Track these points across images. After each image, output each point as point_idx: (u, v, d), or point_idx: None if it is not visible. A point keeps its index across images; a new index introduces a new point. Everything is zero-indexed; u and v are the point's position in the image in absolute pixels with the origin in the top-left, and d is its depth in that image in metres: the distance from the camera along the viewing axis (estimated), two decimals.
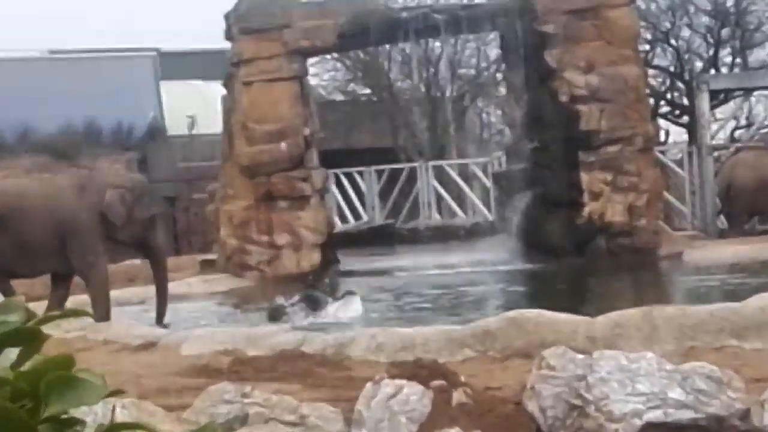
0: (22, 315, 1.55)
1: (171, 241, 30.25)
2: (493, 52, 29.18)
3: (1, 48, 37.64)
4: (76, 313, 1.78)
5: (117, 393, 1.55)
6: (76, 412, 1.49)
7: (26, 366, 1.52)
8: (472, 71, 32.97)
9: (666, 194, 18.78)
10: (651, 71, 28.31)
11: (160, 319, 11.90)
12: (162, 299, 12.16)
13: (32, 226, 11.42)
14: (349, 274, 16.37)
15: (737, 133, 29.14)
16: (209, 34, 28.25)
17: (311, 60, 19.40)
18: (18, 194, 11.55)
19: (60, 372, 1.45)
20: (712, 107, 23.91)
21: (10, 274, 11.54)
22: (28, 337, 1.52)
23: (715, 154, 20.48)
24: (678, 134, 30.67)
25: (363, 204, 24.28)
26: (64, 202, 11.53)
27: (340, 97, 34.30)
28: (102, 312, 10.97)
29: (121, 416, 1.49)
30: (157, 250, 12.20)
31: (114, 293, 12.11)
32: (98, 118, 31.70)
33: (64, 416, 1.46)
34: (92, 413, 1.61)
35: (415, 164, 25.13)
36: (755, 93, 26.49)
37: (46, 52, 37.25)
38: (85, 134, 31.40)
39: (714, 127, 24.07)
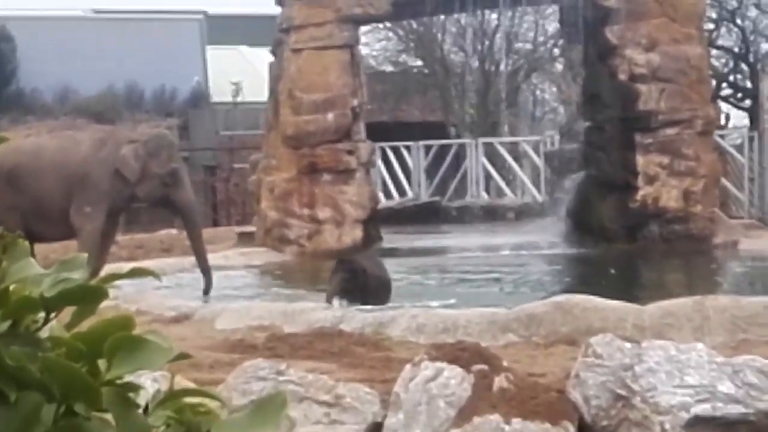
0: (84, 272, 1.49)
1: (209, 212, 30.33)
2: (552, 26, 28.91)
3: (43, 6, 37.56)
4: (141, 272, 1.67)
5: (183, 357, 1.50)
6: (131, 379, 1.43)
7: (81, 327, 1.46)
8: (529, 45, 32.69)
9: (723, 180, 18.38)
10: (714, 51, 27.85)
11: (207, 290, 11.57)
12: (204, 266, 11.79)
13: (45, 182, 11.40)
14: (392, 252, 16.11)
15: None
16: None
17: (363, 29, 19.12)
18: (33, 152, 11.58)
19: (124, 333, 1.39)
20: None
21: (31, 235, 11.30)
22: (91, 297, 1.46)
23: None
24: (739, 118, 30.21)
25: (409, 180, 24.03)
26: (77, 157, 11.45)
27: (390, 68, 34.09)
28: (91, 269, 10.56)
29: (151, 390, 1.32)
30: (185, 208, 11.82)
31: (149, 263, 11.96)
32: (141, 81, 31.67)
33: (120, 381, 1.39)
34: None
35: (465, 141, 24.89)
36: None
37: (90, 11, 37.23)
38: (126, 97, 31.38)
39: None
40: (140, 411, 1.40)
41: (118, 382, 1.39)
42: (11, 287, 1.43)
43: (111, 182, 11.34)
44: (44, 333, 1.43)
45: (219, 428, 1.39)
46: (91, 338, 1.38)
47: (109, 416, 1.37)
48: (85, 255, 1.55)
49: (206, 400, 1.47)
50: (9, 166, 11.45)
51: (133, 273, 1.65)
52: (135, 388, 1.41)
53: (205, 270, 11.72)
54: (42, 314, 1.43)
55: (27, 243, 1.48)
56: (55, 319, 1.44)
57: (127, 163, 11.29)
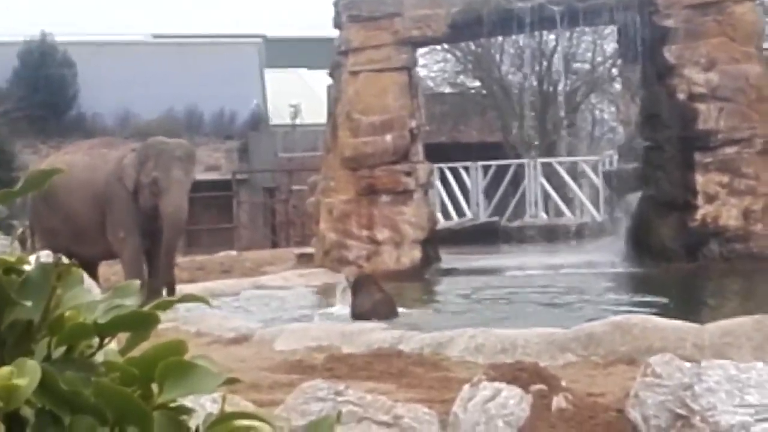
0: (137, 299, 1.52)
1: (268, 233, 30.45)
2: (610, 46, 28.76)
3: (105, 31, 37.97)
4: (193, 298, 1.72)
5: (233, 381, 1.50)
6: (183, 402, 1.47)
7: (135, 351, 1.50)
8: (587, 66, 32.54)
9: None
10: None
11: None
12: (167, 277, 11.30)
13: (76, 201, 11.33)
14: (451, 272, 16.09)
15: None
16: (316, 22, 28.13)
17: (421, 50, 19.15)
18: (66, 171, 11.43)
19: (176, 358, 1.41)
20: None
21: (70, 255, 11.28)
22: (144, 323, 1.49)
23: None
24: None
25: (467, 200, 23.97)
26: (103, 174, 11.33)
27: (448, 90, 34.06)
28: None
29: (204, 412, 1.35)
30: (164, 219, 11.27)
31: (208, 284, 11.94)
32: (200, 104, 31.86)
33: (173, 404, 1.42)
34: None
35: (523, 161, 24.81)
36: None
37: (150, 36, 37.56)
38: (186, 121, 31.61)
39: None
40: None
41: (171, 405, 1.41)
42: (66, 314, 1.45)
43: (128, 198, 11.25)
44: (99, 358, 1.46)
45: None
46: (144, 363, 1.41)
47: None
48: (138, 282, 1.58)
49: (257, 423, 1.48)
50: (48, 187, 11.39)
51: (184, 299, 1.69)
52: (187, 411, 1.44)
53: (170, 286, 11.30)
54: (96, 340, 1.46)
55: (81, 270, 1.51)
56: (109, 344, 1.47)
57: (126, 172, 11.20)
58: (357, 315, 10.77)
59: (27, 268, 1.46)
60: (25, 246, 14.56)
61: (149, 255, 11.67)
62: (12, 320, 1.41)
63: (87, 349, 1.46)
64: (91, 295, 1.49)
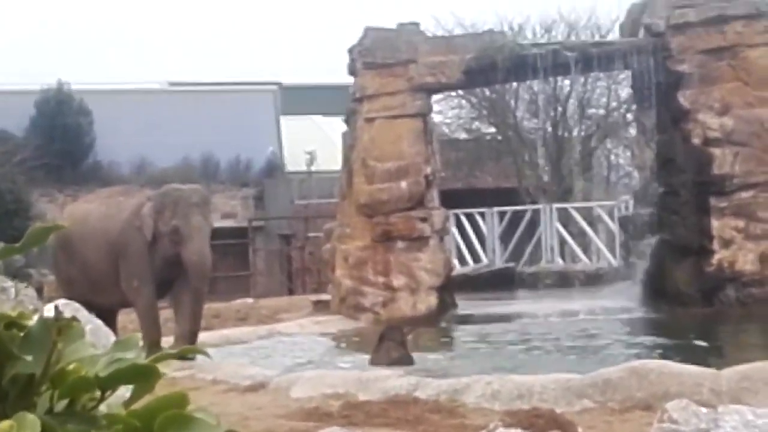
0: (138, 352, 1.55)
1: (284, 280, 30.44)
2: (624, 91, 28.78)
3: (120, 80, 38.20)
4: (192, 350, 1.80)
5: None
6: None
7: (138, 404, 1.52)
8: (602, 111, 32.53)
9: None
10: None
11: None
12: (192, 326, 11.21)
13: (91, 249, 11.32)
14: (467, 318, 16.05)
15: None
16: (331, 69, 28.29)
17: (436, 97, 19.19)
18: (82, 218, 11.46)
19: (175, 411, 1.44)
20: None
21: (88, 304, 11.31)
22: (144, 375, 1.51)
23: None
24: None
25: (483, 246, 23.95)
26: (118, 223, 11.30)
27: (463, 135, 34.09)
28: (149, 343, 10.27)
29: None
30: (188, 267, 11.12)
31: (225, 332, 11.92)
32: (216, 152, 31.98)
33: None
34: None
35: (539, 206, 24.78)
36: None
37: (166, 84, 37.77)
38: (202, 168, 31.73)
39: None
40: None
41: None
42: (68, 367, 1.47)
43: (145, 247, 11.14)
44: (102, 410, 1.47)
45: None
46: (146, 415, 1.43)
47: None
48: (138, 335, 1.62)
49: None
50: (63, 234, 11.34)
51: (185, 351, 1.70)
52: None
53: (192, 335, 11.20)
54: (98, 393, 1.47)
55: (82, 325, 1.52)
56: (110, 397, 1.48)
57: (144, 221, 11.09)
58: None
59: (29, 323, 1.47)
60: (42, 295, 14.61)
61: (175, 303, 11.60)
62: (14, 374, 1.42)
63: (89, 402, 1.47)
64: (92, 349, 1.50)
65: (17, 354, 1.41)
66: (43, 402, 1.44)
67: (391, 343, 11.25)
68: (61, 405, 1.45)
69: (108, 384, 1.46)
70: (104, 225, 11.38)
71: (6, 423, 1.30)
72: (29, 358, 1.43)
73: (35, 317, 1.48)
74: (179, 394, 1.47)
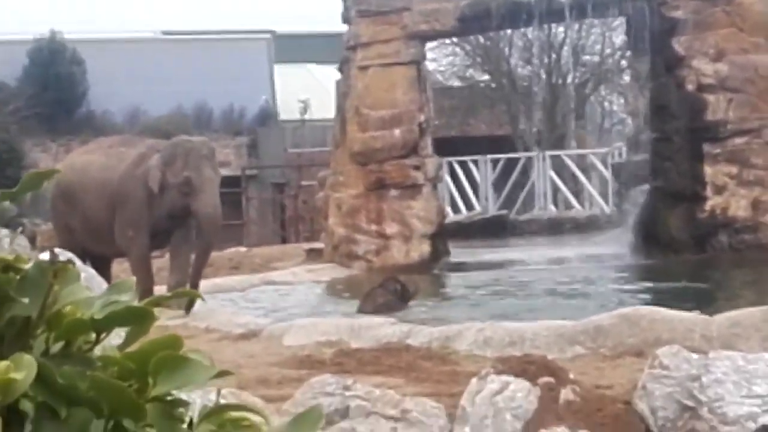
0: (132, 295, 1.57)
1: (278, 229, 30.46)
2: (619, 38, 28.69)
3: (113, 28, 38.00)
4: (187, 293, 1.87)
5: (224, 374, 1.54)
6: (179, 395, 1.52)
7: (133, 347, 1.54)
8: (596, 58, 32.50)
9: None
10: None
11: (188, 308, 10.58)
12: (194, 283, 11.11)
13: (91, 199, 11.37)
14: (460, 266, 16.09)
15: None
16: (325, 17, 28.15)
17: (430, 44, 19.13)
18: (82, 169, 11.51)
19: (169, 352, 1.46)
20: None
21: (87, 253, 11.38)
22: (138, 318, 1.54)
23: None
24: None
25: (476, 194, 23.99)
26: (117, 173, 11.30)
27: (457, 83, 34.05)
28: (141, 291, 10.33)
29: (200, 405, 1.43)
30: (199, 220, 11.11)
31: (217, 281, 11.94)
32: (210, 101, 31.91)
33: (170, 397, 1.47)
34: (191, 401, 1.54)
35: (532, 154, 24.80)
36: None
37: (159, 33, 37.61)
38: (195, 117, 31.66)
39: None
40: (185, 426, 1.46)
41: (168, 398, 1.45)
42: (63, 310, 1.49)
43: (147, 198, 11.12)
44: (97, 353, 1.51)
45: None
46: (140, 357, 1.45)
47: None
48: (133, 279, 1.62)
49: (250, 415, 1.51)
50: (64, 184, 11.50)
51: (177, 294, 1.73)
52: (183, 404, 1.47)
53: (193, 286, 11.02)
54: (93, 335, 1.50)
55: (77, 268, 1.53)
56: (106, 339, 1.51)
57: (151, 173, 11.03)
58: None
59: (25, 266, 1.48)
60: (34, 244, 14.63)
61: (172, 254, 11.65)
62: (10, 316, 1.44)
63: (84, 344, 1.49)
64: (87, 291, 1.51)
65: (14, 296, 1.43)
66: (39, 344, 1.46)
67: (379, 290, 11.33)
68: (56, 347, 1.47)
69: (103, 326, 1.48)
70: (105, 175, 11.40)
71: (3, 364, 1.33)
72: (26, 300, 1.45)
73: (31, 261, 1.50)
74: (173, 336, 1.49)
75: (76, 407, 1.37)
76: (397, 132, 16.37)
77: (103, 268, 11.28)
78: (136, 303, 1.53)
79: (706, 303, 10.33)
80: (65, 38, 31.92)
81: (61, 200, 11.82)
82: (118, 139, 13.02)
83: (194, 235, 11.43)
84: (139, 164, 11.31)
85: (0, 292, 1.43)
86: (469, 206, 23.75)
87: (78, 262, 8.77)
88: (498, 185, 24.14)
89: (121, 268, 13.33)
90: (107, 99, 30.70)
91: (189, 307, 10.10)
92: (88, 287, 1.53)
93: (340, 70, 17.78)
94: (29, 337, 1.46)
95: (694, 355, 5.02)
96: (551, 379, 5.21)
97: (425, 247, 16.32)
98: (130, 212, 11.21)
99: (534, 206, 23.42)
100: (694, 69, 15.47)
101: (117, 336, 1.57)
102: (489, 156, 24.33)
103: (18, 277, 1.46)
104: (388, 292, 11.34)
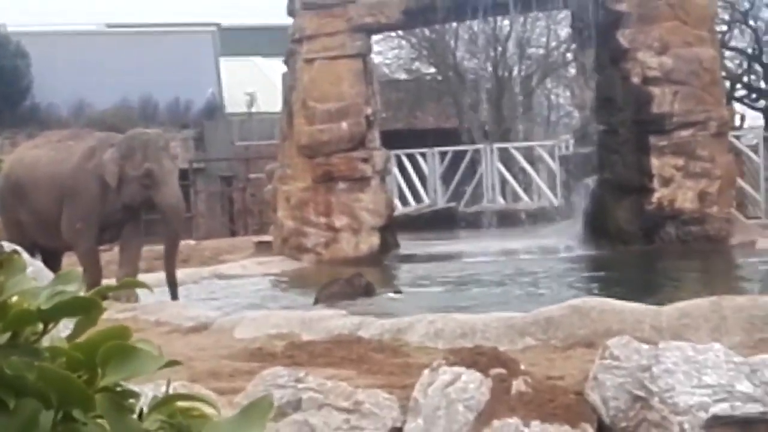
0: (79, 286, 1.54)
1: (226, 222, 30.35)
2: (564, 31, 28.93)
3: (57, 21, 37.69)
4: (134, 284, 1.79)
5: (173, 364, 1.52)
6: (129, 386, 1.50)
7: (81, 338, 1.52)
8: (542, 51, 32.67)
9: (740, 181, 18.29)
10: (728, 53, 27.76)
11: (173, 295, 11.25)
12: (170, 278, 11.36)
13: (41, 193, 11.34)
14: (409, 258, 16.10)
15: None
16: (270, 10, 28.07)
17: (375, 37, 19.11)
18: (31, 163, 11.49)
19: (117, 341, 1.45)
20: None
21: (36, 246, 11.35)
22: (85, 308, 1.51)
23: None
24: (754, 119, 30.02)
25: (425, 186, 24.02)
26: (68, 166, 11.27)
27: (403, 76, 34.10)
28: (90, 283, 10.33)
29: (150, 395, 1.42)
30: (164, 212, 11.25)
31: (162, 274, 11.85)
32: (155, 94, 31.74)
33: (119, 388, 1.46)
34: (142, 393, 1.53)
35: (480, 146, 24.86)
36: None
37: (104, 25, 37.37)
38: (141, 110, 31.48)
39: None
40: (135, 416, 1.45)
41: (118, 389, 1.44)
42: (10, 300, 1.47)
43: (100, 191, 11.11)
44: (44, 344, 1.48)
45: (208, 431, 1.44)
46: (89, 348, 1.44)
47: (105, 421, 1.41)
48: (80, 270, 1.60)
49: (200, 404, 1.51)
50: (14, 178, 11.52)
51: (125, 284, 1.71)
52: (134, 394, 1.46)
53: (171, 282, 11.38)
54: (40, 326, 1.47)
55: (23, 258, 1.51)
56: (53, 329, 1.49)
57: (107, 168, 10.99)
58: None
59: None
60: None
61: (122, 246, 11.69)
62: None
63: (32, 335, 1.47)
64: (34, 282, 1.50)
65: None
66: None
67: (342, 281, 11.37)
68: (3, 338, 1.45)
69: (50, 316, 1.45)
70: (54, 169, 11.35)
71: None
72: None
73: None
74: (121, 326, 1.48)
75: (24, 398, 1.35)
76: (344, 125, 16.35)
77: (52, 261, 11.28)
78: (83, 293, 1.51)
79: (654, 293, 10.41)
80: (9, 31, 31.63)
81: (10, 194, 11.74)
82: (67, 132, 12.93)
83: (145, 229, 11.49)
84: (90, 157, 11.26)
85: None
86: (418, 199, 23.77)
87: (25, 255, 8.69)
88: (446, 178, 24.18)
89: (69, 261, 13.20)
90: (52, 92, 30.44)
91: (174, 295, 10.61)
92: (34, 278, 1.51)
93: (286, 63, 17.71)
94: None
95: (645, 346, 5.03)
96: (503, 371, 5.19)
97: (374, 240, 16.32)
98: (80, 205, 11.15)
99: (482, 198, 23.47)
100: (639, 62, 15.57)
101: (65, 328, 1.54)
102: (436, 149, 24.38)
103: None
104: (351, 285, 11.34)
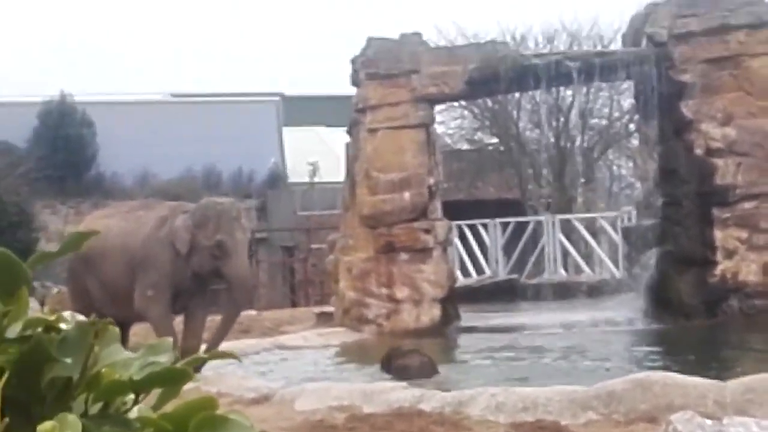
0: (170, 356, 1.57)
1: (287, 292, 30.39)
2: (627, 101, 28.77)
3: (122, 91, 38.21)
4: (223, 355, 1.78)
5: None
6: None
7: (167, 408, 1.53)
8: (604, 121, 32.52)
9: None
10: None
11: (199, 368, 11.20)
12: (214, 345, 11.27)
13: (111, 263, 11.33)
14: (471, 330, 16.04)
15: None
16: (334, 80, 28.34)
17: (438, 107, 19.19)
18: (102, 233, 11.50)
19: (209, 412, 1.47)
20: None
21: (103, 317, 11.32)
22: (176, 379, 1.53)
23: None
24: None
25: (486, 257, 23.95)
26: (139, 236, 11.30)
27: (466, 146, 34.09)
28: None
29: None
30: (230, 283, 11.27)
31: (227, 344, 11.85)
32: (219, 163, 31.96)
33: None
34: None
35: (542, 217, 24.77)
36: None
37: (168, 95, 37.78)
38: (204, 180, 31.69)
39: None
40: None
41: None
42: (103, 371, 1.50)
43: (171, 258, 11.15)
44: (133, 414, 1.50)
45: None
46: (178, 418, 1.45)
47: None
48: (170, 339, 1.63)
49: None
50: (83, 248, 11.50)
51: (214, 356, 1.74)
52: None
53: (215, 345, 11.25)
54: (131, 396, 1.51)
55: (116, 328, 1.54)
56: (144, 399, 1.52)
57: (178, 235, 11.06)
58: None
59: (64, 326, 1.49)
60: (43, 307, 14.60)
61: (188, 317, 11.67)
62: (52, 377, 1.44)
63: (122, 405, 1.50)
64: (126, 352, 1.53)
65: (56, 357, 1.43)
66: (78, 404, 1.46)
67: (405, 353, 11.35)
68: (95, 408, 1.47)
69: (142, 387, 1.48)
70: (124, 240, 11.38)
71: (49, 423, 1.32)
72: (68, 360, 1.45)
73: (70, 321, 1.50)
74: (208, 397, 1.50)
75: None
76: (406, 195, 16.38)
77: (120, 333, 11.28)
78: (175, 364, 1.53)
79: (718, 368, 10.29)
80: (75, 100, 32.03)
81: (79, 264, 11.80)
82: (136, 203, 13.05)
83: (211, 300, 11.46)
84: (161, 227, 11.34)
85: (42, 353, 1.43)
86: (479, 270, 23.71)
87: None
88: (508, 249, 24.10)
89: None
90: (116, 161, 30.75)
91: (197, 368, 10.05)
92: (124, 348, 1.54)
93: (349, 132, 17.82)
94: (70, 397, 1.45)
95: (708, 421, 5.02)
96: None
97: (436, 311, 16.28)
98: (152, 273, 11.18)
99: (544, 270, 23.36)
100: (702, 133, 15.52)
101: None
102: (498, 219, 24.33)
103: (59, 337, 1.46)
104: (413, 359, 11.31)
